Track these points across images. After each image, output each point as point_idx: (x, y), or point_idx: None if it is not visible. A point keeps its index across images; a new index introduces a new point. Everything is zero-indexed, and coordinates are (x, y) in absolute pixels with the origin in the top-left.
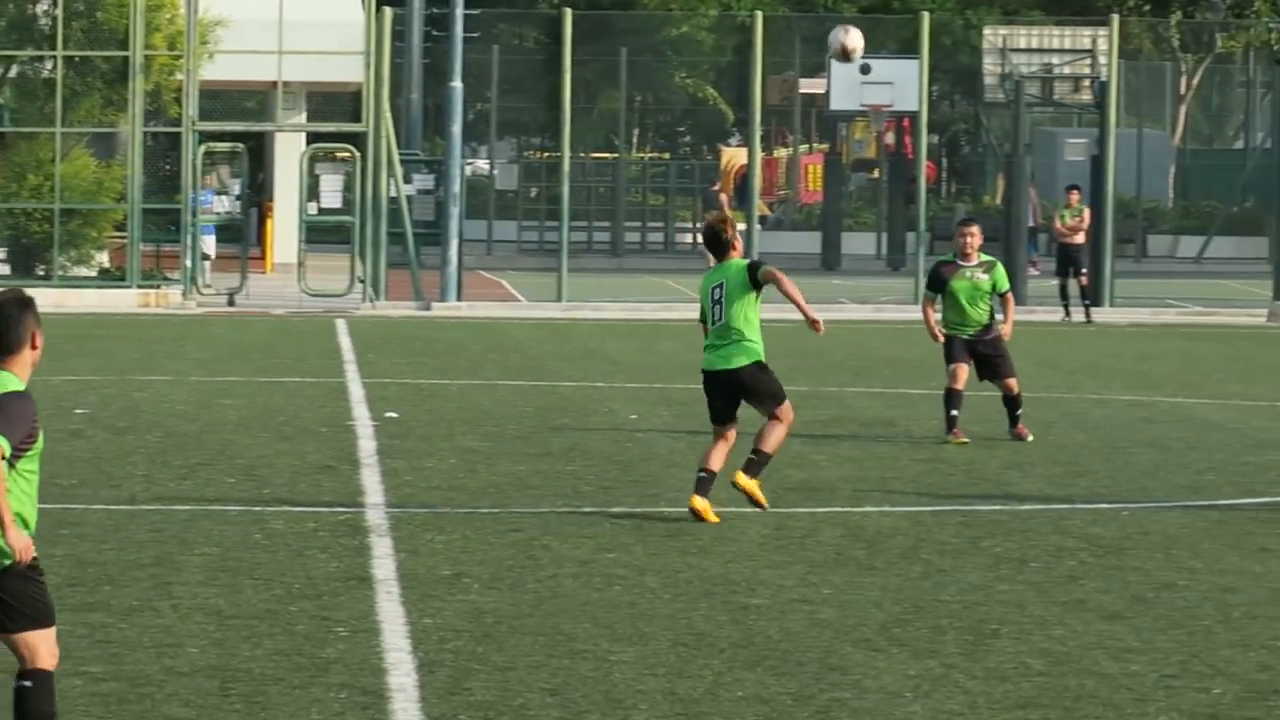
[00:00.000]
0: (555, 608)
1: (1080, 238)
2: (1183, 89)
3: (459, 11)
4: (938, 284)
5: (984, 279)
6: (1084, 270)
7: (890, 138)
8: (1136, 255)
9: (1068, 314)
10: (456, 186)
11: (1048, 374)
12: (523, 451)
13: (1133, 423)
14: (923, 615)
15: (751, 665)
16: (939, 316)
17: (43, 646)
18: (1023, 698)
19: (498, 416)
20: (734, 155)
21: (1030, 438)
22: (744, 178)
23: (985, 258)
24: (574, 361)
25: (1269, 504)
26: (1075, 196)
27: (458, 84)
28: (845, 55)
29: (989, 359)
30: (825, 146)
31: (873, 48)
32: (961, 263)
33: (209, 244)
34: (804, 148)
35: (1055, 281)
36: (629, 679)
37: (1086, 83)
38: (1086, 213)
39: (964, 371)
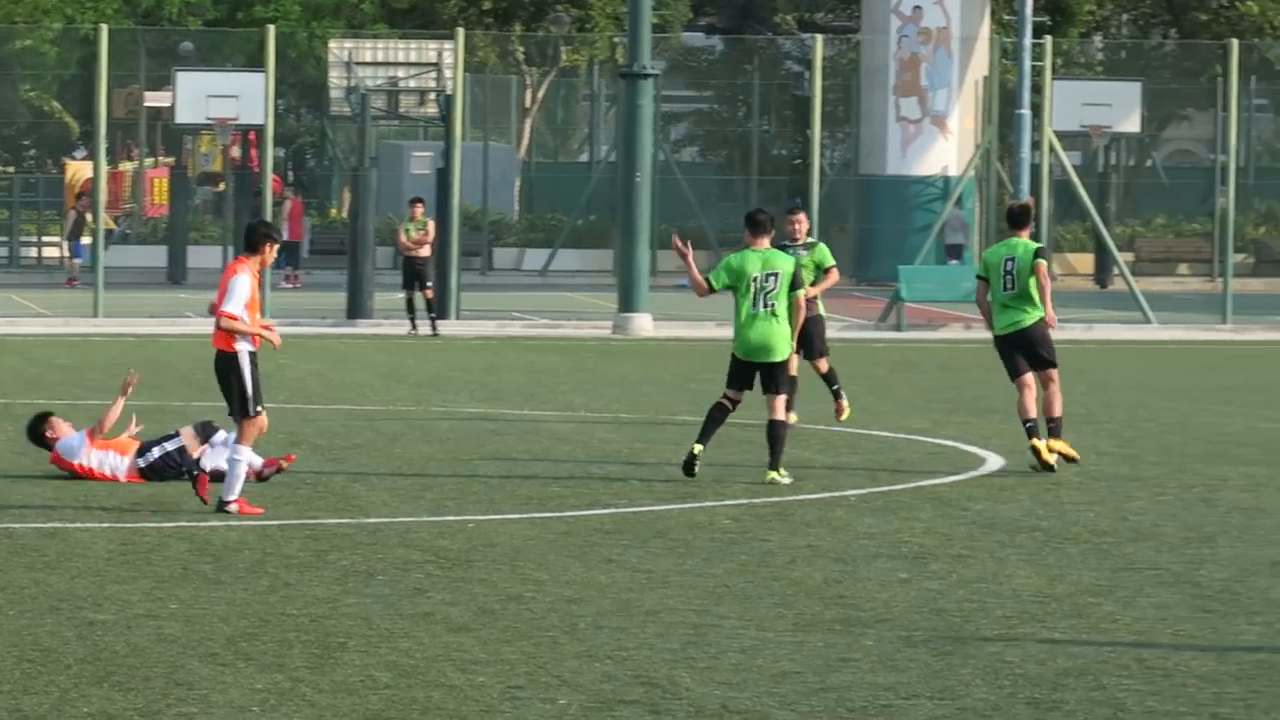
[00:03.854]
0: None
1: (425, 251)
2: (528, 102)
3: None
4: None
5: (804, 256)
6: (430, 283)
7: (236, 151)
8: (482, 268)
9: (414, 327)
10: None
11: (394, 387)
12: None
13: (479, 435)
14: (270, 629)
15: (98, 681)
16: None
17: None
18: (370, 711)
19: None
20: (79, 169)
21: (845, 416)
22: (89, 191)
23: (809, 239)
24: None
25: (613, 515)
26: (419, 209)
27: None
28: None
29: (806, 338)
30: (171, 160)
31: (219, 61)
32: (789, 243)
33: None
34: (150, 161)
35: (401, 295)
36: None
37: (432, 96)
38: (431, 225)
39: (794, 359)
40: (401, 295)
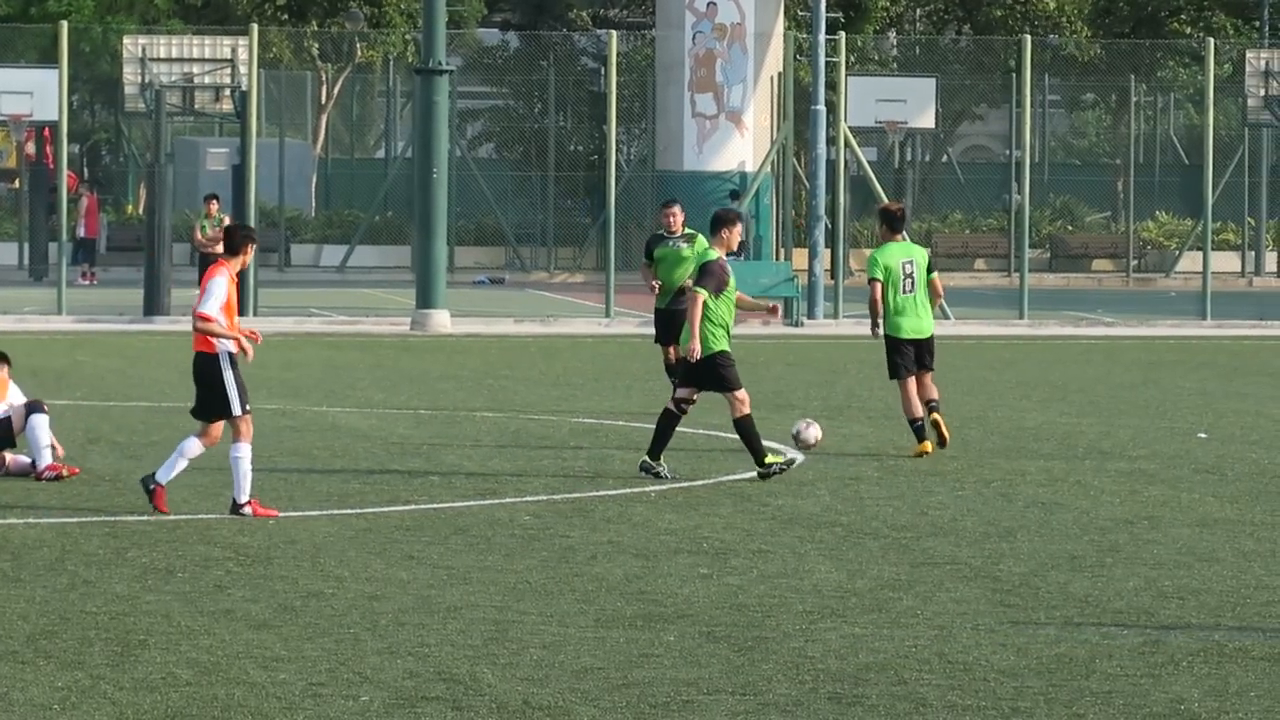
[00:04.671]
0: None
1: (220, 248)
2: (323, 98)
3: None
4: (648, 252)
5: (685, 248)
6: None
7: (31, 147)
8: (280, 264)
9: None
10: None
11: (192, 384)
12: None
13: (278, 431)
14: (70, 627)
15: None
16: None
17: None
18: (171, 708)
19: None
20: None
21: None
22: None
23: (688, 231)
24: None
25: (414, 511)
26: (215, 206)
27: None
28: (806, 446)
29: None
30: None
31: (11, 57)
32: (667, 235)
33: None
34: None
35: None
36: None
37: (227, 92)
38: (227, 221)
39: (674, 350)
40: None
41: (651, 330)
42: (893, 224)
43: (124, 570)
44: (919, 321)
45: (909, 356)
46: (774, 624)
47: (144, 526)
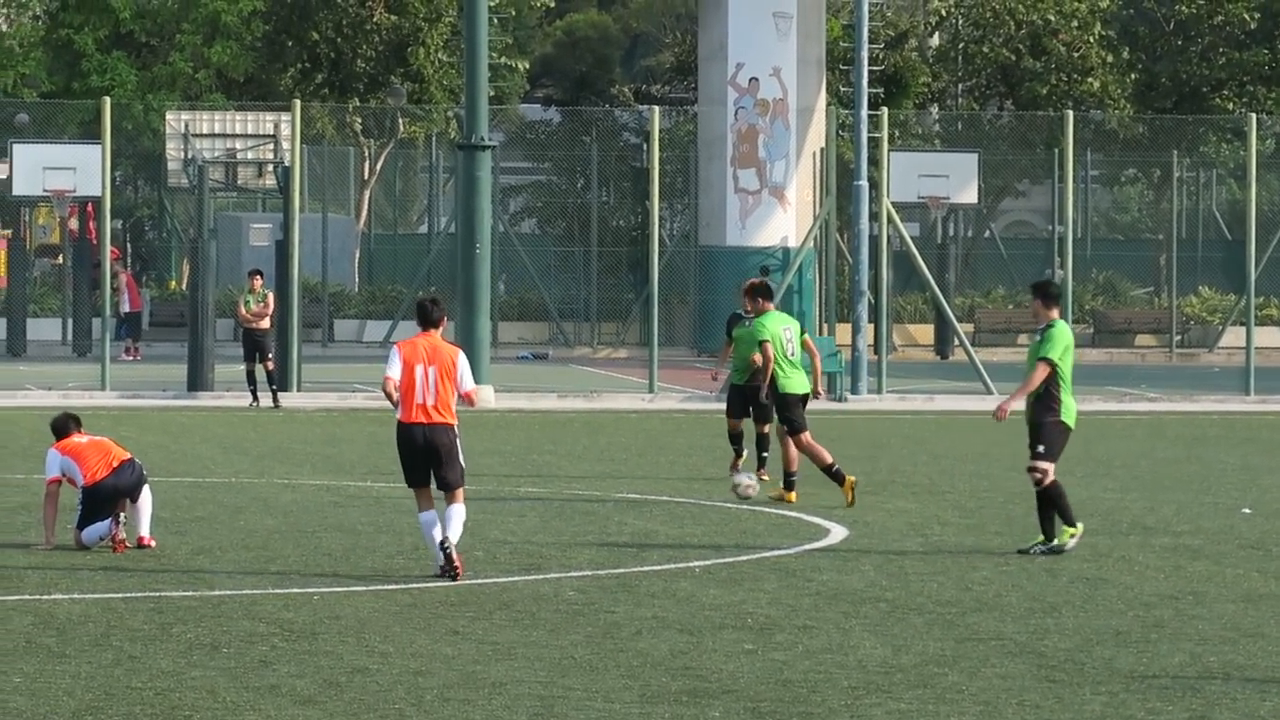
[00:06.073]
0: None
1: (265, 323)
2: (366, 173)
3: None
4: (728, 330)
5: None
6: (270, 355)
7: (74, 223)
8: (324, 340)
9: (255, 399)
10: None
11: (236, 459)
12: None
13: (322, 507)
14: (115, 702)
15: None
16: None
17: None
18: None
19: None
20: None
21: (764, 479)
22: None
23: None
24: None
25: (458, 586)
26: (258, 281)
27: None
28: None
29: (759, 403)
30: (9, 232)
31: (54, 132)
32: (745, 315)
33: None
34: None
35: (243, 367)
36: None
37: (270, 167)
38: (270, 297)
39: (739, 423)
40: (242, 367)
41: (699, 406)
42: (768, 295)
43: (169, 646)
44: (802, 380)
45: (802, 409)
46: (819, 700)
47: (189, 602)
